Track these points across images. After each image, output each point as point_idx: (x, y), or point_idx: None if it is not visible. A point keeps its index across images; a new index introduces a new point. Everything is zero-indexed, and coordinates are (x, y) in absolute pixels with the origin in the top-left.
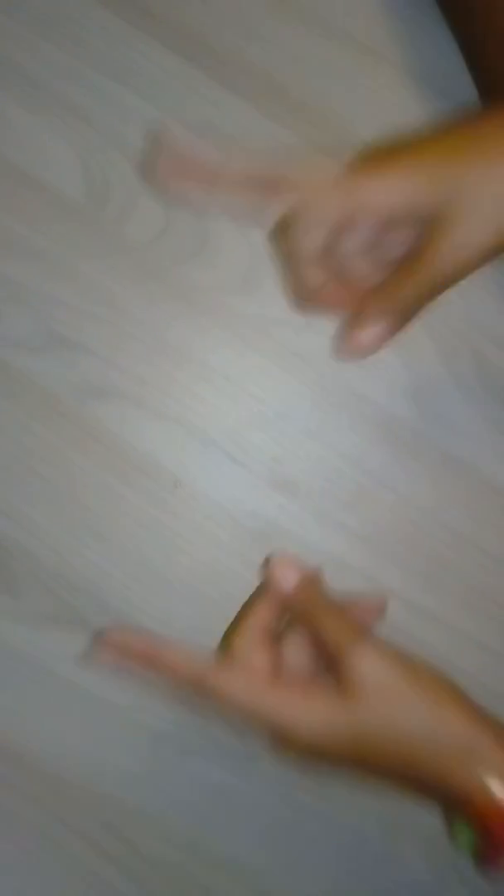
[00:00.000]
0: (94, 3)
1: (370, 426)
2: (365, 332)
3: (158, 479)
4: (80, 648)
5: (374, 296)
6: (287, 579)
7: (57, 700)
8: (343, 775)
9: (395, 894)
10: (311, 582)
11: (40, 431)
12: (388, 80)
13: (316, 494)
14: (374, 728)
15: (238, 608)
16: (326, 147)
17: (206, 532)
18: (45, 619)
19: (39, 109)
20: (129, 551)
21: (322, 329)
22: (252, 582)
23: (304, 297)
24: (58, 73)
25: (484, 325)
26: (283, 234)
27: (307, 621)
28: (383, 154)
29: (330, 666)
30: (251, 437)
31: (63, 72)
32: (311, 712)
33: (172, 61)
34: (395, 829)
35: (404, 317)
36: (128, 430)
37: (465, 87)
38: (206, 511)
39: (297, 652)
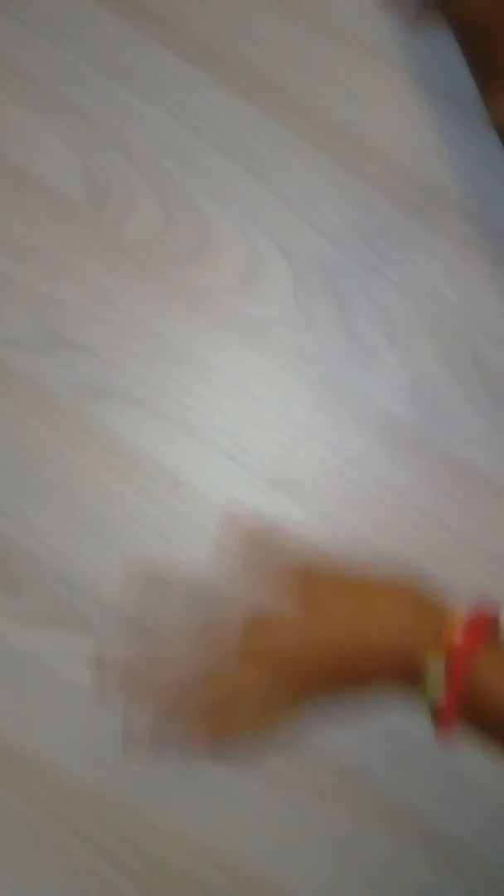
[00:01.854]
0: (95, 4)
1: (370, 426)
2: None
3: (158, 478)
4: (80, 648)
5: None
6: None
7: (57, 700)
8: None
9: (395, 894)
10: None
11: (40, 431)
12: (389, 80)
13: (316, 494)
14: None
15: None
16: (326, 146)
17: (207, 532)
18: (45, 619)
19: (40, 109)
20: (129, 551)
21: (322, 329)
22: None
23: None
24: (58, 72)
25: (484, 325)
26: None
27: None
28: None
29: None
30: (251, 437)
31: (63, 72)
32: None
33: (172, 61)
34: (395, 830)
35: None
36: (128, 429)
37: (464, 87)
38: (207, 511)
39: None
